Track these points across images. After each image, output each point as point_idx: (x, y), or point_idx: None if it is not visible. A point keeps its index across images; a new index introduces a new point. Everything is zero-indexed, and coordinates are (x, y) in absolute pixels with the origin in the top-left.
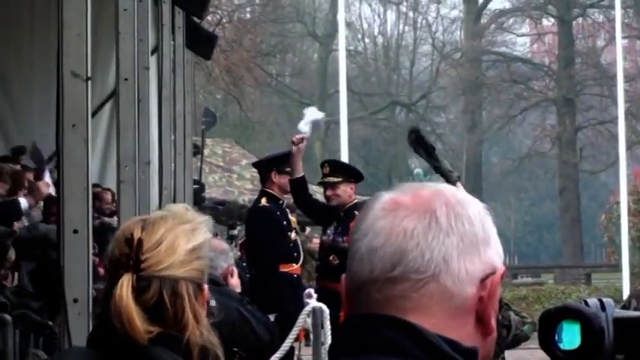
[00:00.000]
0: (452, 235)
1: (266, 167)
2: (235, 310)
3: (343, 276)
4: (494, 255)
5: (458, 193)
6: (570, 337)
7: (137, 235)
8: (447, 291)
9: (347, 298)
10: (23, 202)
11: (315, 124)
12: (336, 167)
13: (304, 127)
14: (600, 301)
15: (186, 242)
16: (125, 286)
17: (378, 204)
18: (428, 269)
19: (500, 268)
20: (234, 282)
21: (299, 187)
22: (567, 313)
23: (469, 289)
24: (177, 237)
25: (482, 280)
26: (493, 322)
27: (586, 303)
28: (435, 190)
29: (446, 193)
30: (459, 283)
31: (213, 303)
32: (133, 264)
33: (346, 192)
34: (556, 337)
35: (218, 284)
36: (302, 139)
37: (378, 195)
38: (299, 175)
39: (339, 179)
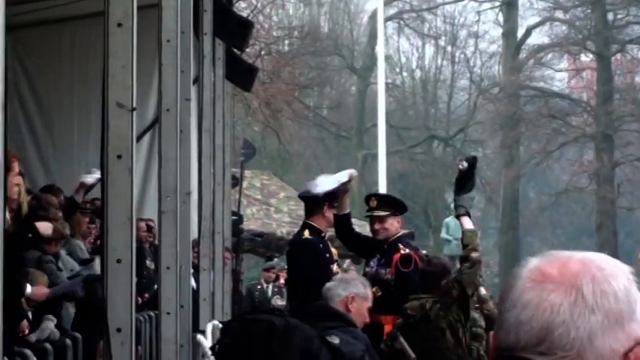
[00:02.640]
0: (597, 312)
1: (319, 201)
2: (360, 353)
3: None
4: (638, 327)
5: (606, 264)
6: None
7: None
8: None
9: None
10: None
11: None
12: (383, 201)
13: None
14: None
15: None
16: None
17: (526, 273)
18: (573, 347)
19: None
20: (354, 309)
21: (344, 222)
22: None
23: None
24: None
25: (626, 354)
26: None
27: None
28: (582, 262)
29: (593, 266)
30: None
31: (336, 340)
32: None
33: (393, 225)
34: None
35: (349, 323)
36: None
37: (526, 262)
38: (346, 212)
39: (387, 213)
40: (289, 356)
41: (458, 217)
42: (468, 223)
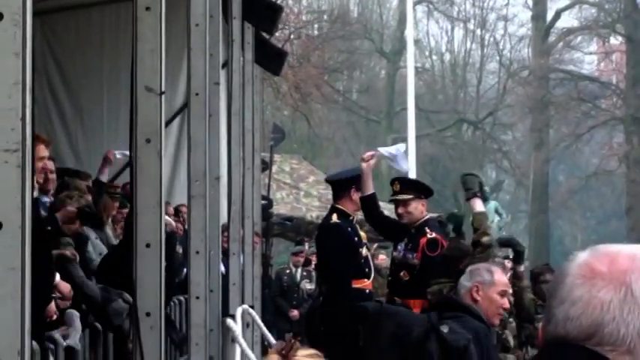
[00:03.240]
0: None
1: (346, 184)
2: (464, 342)
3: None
4: None
5: None
6: None
7: None
8: None
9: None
10: None
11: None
12: (406, 184)
13: (386, 152)
14: None
15: None
16: None
17: (575, 269)
18: (623, 344)
19: None
20: (481, 298)
21: (370, 204)
22: None
23: None
24: None
25: None
26: None
27: None
28: (631, 258)
29: None
30: None
31: (445, 329)
32: None
33: (417, 209)
34: None
35: (468, 311)
36: (372, 156)
37: (574, 257)
38: (369, 193)
39: (410, 196)
40: (377, 340)
41: (468, 200)
42: (478, 205)
